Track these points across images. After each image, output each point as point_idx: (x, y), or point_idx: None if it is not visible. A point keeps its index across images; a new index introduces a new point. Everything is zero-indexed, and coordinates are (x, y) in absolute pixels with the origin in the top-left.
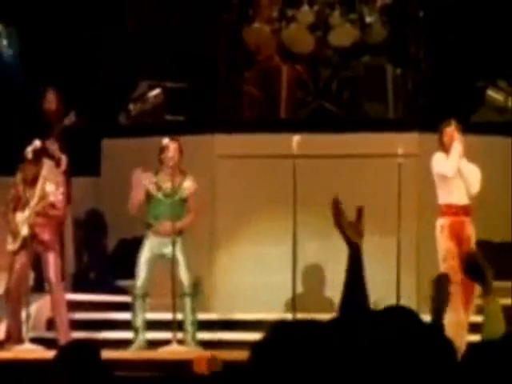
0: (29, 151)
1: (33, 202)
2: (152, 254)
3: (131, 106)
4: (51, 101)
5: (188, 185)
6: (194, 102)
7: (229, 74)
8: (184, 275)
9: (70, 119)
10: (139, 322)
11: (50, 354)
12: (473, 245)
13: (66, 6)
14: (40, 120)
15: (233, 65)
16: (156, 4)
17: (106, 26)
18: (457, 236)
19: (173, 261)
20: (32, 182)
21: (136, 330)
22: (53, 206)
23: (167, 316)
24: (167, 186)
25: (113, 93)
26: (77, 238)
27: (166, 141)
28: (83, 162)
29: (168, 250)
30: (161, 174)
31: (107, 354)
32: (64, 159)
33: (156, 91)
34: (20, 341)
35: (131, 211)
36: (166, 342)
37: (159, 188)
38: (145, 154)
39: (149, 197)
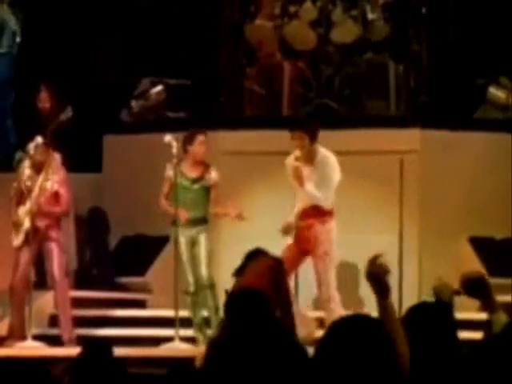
0: (31, 148)
1: (34, 194)
2: (187, 249)
3: (133, 103)
4: (45, 97)
5: (213, 175)
6: (196, 99)
7: (231, 71)
8: (204, 270)
9: (66, 114)
10: (197, 319)
11: (52, 350)
12: (327, 245)
13: (69, 2)
14: (34, 116)
15: (235, 61)
16: (159, 1)
17: (108, 22)
18: (302, 240)
19: (175, 256)
20: (36, 174)
21: (197, 326)
22: (56, 201)
23: (170, 313)
24: (191, 173)
25: (115, 89)
26: (78, 234)
27: (202, 137)
28: (85, 159)
29: (196, 242)
30: (185, 163)
31: None
32: (58, 157)
33: (158, 88)
34: (23, 337)
35: (161, 206)
36: (169, 339)
37: (183, 175)
38: (147, 150)
39: (172, 186)
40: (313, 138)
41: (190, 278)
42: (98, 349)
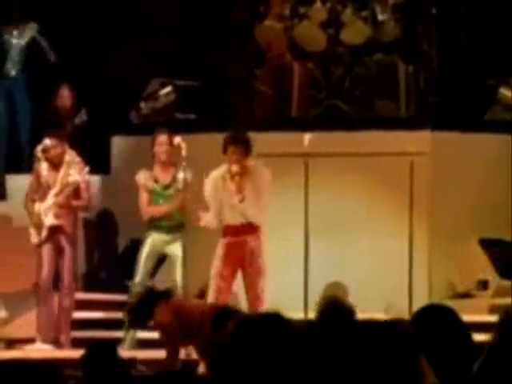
0: (39, 150)
1: (55, 190)
2: (153, 251)
3: (142, 104)
4: (66, 97)
5: (181, 176)
6: (206, 100)
7: (240, 72)
8: (178, 274)
9: (80, 118)
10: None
11: (60, 353)
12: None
13: (79, 3)
14: (51, 117)
15: (244, 62)
16: (168, 2)
17: (118, 23)
18: (234, 257)
19: (183, 258)
20: (55, 171)
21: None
22: (76, 195)
23: None
24: (164, 178)
25: (124, 90)
26: (87, 236)
27: (160, 136)
28: (93, 160)
29: (170, 249)
30: (156, 168)
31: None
32: (73, 153)
33: (167, 89)
34: (31, 340)
35: (145, 215)
36: None
37: (156, 181)
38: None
39: (149, 193)
40: (247, 153)
41: (138, 279)
42: (102, 350)
